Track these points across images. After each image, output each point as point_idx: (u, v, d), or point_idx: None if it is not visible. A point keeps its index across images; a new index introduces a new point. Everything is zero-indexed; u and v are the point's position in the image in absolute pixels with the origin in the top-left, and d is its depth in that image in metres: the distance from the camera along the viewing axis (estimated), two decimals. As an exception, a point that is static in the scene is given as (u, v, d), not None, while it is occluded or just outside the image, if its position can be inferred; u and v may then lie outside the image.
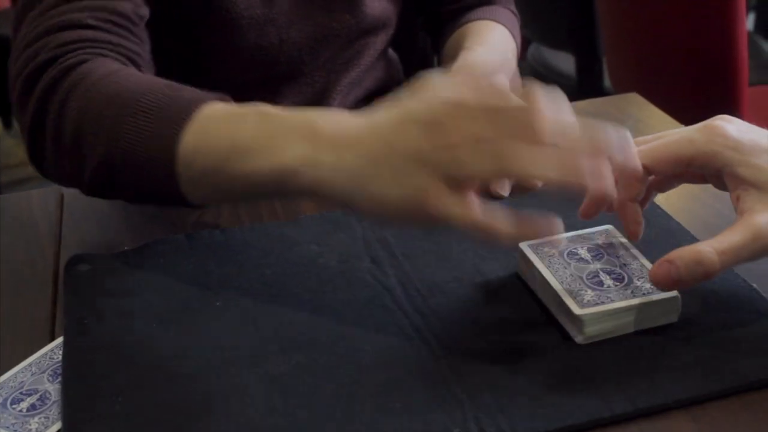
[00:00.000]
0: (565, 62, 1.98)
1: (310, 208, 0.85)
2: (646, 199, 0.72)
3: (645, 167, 0.66)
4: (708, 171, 0.66)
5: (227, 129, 0.69)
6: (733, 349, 0.64)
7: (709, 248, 0.62)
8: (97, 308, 0.71)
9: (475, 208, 0.61)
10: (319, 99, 1.07)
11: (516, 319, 0.68)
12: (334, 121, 0.65)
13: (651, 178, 0.69)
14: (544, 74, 2.09)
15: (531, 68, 2.17)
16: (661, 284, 0.63)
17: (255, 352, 0.66)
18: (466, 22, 1.05)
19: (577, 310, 0.65)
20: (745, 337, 0.65)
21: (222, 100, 0.72)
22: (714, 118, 0.67)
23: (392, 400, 0.61)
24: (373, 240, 0.78)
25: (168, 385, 0.63)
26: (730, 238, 0.62)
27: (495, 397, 0.60)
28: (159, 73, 0.86)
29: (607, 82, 1.82)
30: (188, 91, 0.73)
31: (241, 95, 0.75)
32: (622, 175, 0.66)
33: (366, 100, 1.12)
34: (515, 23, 1.08)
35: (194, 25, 0.98)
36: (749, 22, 3.17)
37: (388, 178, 0.62)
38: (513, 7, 1.12)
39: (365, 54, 1.09)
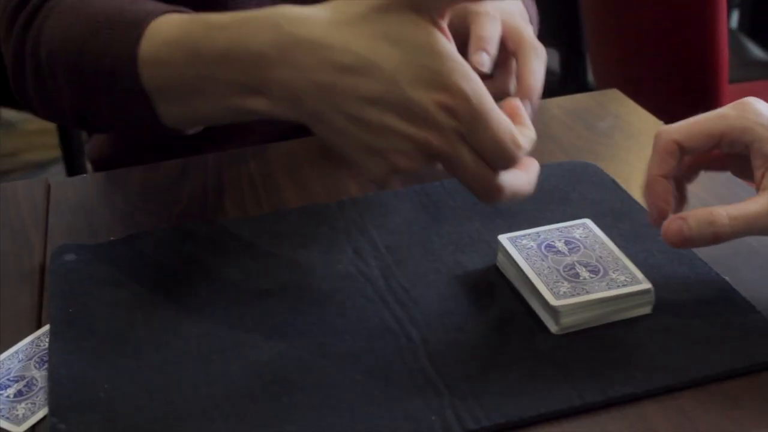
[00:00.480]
0: (550, 58, 1.99)
1: (293, 201, 0.86)
2: (681, 182, 0.72)
3: (678, 143, 0.66)
4: (737, 147, 0.66)
5: (185, 34, 0.70)
6: (703, 340, 0.65)
7: (724, 212, 0.63)
8: (82, 297, 0.73)
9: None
10: None
11: (494, 310, 0.70)
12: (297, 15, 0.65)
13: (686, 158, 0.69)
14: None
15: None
16: (671, 239, 0.65)
17: (238, 341, 0.67)
18: None
19: (553, 301, 0.66)
20: (716, 329, 0.66)
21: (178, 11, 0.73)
22: (745, 98, 0.67)
23: (372, 388, 0.62)
24: (356, 232, 0.80)
25: (152, 372, 0.65)
26: (747, 206, 0.64)
27: (471, 386, 0.62)
28: None
29: (590, 77, 1.84)
30: (147, 3, 0.74)
31: None
32: (655, 149, 0.67)
33: None
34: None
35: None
36: (733, 20, 3.20)
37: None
38: None
39: None
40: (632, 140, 0.94)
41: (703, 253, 0.74)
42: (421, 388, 0.62)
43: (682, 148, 0.67)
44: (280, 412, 0.61)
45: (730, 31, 2.50)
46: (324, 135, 0.65)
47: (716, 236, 0.64)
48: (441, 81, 0.60)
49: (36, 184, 0.92)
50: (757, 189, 0.66)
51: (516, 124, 0.64)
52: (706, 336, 0.66)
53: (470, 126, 0.61)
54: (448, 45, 0.61)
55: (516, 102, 0.67)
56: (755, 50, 2.10)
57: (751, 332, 0.66)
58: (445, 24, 0.63)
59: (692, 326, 0.67)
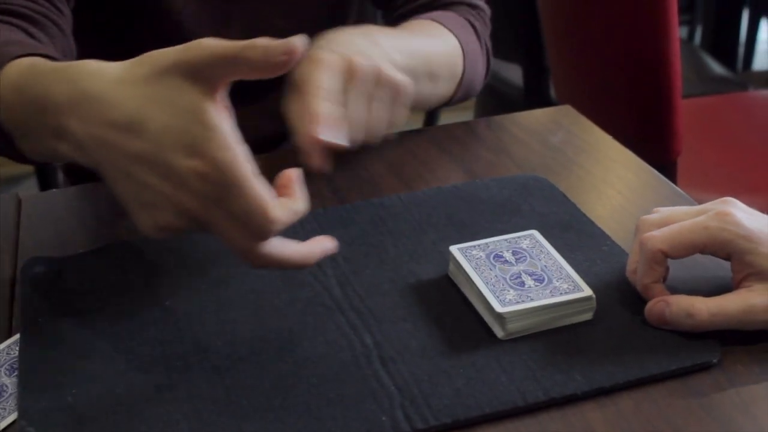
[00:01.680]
0: (514, 73, 2.04)
1: (256, 214, 0.89)
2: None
3: (663, 252, 0.71)
4: (718, 255, 0.72)
5: (21, 78, 0.76)
6: (640, 345, 0.69)
7: (704, 307, 0.69)
8: (52, 307, 0.76)
9: None
10: None
11: (444, 317, 0.73)
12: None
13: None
14: (494, 84, 2.15)
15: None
16: (652, 319, 0.71)
17: (201, 347, 0.71)
18: (411, 19, 1.05)
19: (499, 308, 0.70)
20: (652, 334, 0.70)
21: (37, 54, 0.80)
22: (722, 202, 0.72)
23: (327, 390, 0.66)
24: (314, 244, 0.83)
25: (118, 378, 0.68)
26: (726, 305, 0.69)
27: (421, 389, 0.66)
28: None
29: (553, 93, 1.88)
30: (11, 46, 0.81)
31: None
32: (643, 258, 0.72)
33: None
34: (465, 29, 1.07)
35: (130, 27, 1.04)
36: (696, 37, 3.26)
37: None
38: (475, 18, 1.10)
39: None
40: (583, 155, 0.98)
41: (644, 262, 0.78)
42: (373, 390, 0.66)
43: (667, 255, 0.72)
44: (240, 413, 0.64)
45: (692, 47, 2.56)
46: (107, 183, 0.69)
47: (693, 327, 0.69)
48: (198, 148, 0.63)
49: (7, 198, 0.95)
50: (735, 286, 0.71)
51: (284, 196, 0.68)
52: (643, 340, 0.70)
53: (221, 194, 0.64)
54: (213, 113, 0.64)
55: (290, 173, 0.70)
56: (714, 66, 2.15)
57: (686, 337, 0.70)
58: (221, 92, 0.65)
59: (630, 331, 0.71)
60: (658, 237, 0.72)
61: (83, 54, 0.94)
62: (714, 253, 0.72)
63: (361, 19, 1.19)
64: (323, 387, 0.66)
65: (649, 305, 0.71)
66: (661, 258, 0.72)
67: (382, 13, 1.21)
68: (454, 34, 1.03)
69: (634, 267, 0.74)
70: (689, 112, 1.64)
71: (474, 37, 1.08)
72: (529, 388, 0.65)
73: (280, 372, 0.68)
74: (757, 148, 1.72)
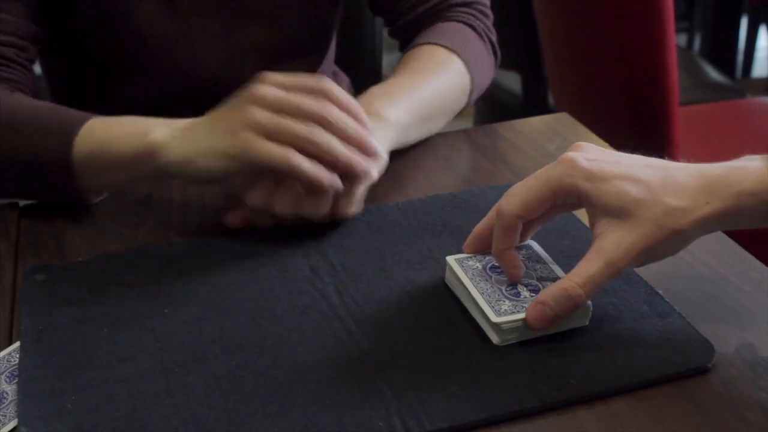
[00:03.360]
0: (513, 81, 2.05)
1: (255, 222, 0.90)
2: (524, 238, 0.78)
3: (518, 217, 0.72)
4: (571, 201, 0.72)
5: (109, 129, 0.89)
6: (635, 349, 0.70)
7: (573, 283, 0.69)
8: (52, 315, 0.76)
9: (293, 154, 0.80)
10: None
11: (441, 324, 0.74)
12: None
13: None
14: (493, 92, 2.15)
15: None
16: (537, 324, 0.70)
17: (199, 354, 0.71)
18: (414, 46, 1.08)
19: (494, 318, 0.71)
20: (647, 339, 0.71)
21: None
22: (570, 148, 0.72)
23: (325, 397, 0.67)
24: (313, 252, 0.84)
25: (117, 385, 0.69)
26: (590, 269, 0.69)
27: (417, 394, 0.66)
28: (71, 94, 1.03)
29: (552, 100, 1.89)
30: (71, 112, 0.92)
31: (157, 113, 0.90)
32: (498, 226, 0.74)
33: None
34: (466, 38, 1.10)
35: (100, 45, 1.05)
36: (695, 44, 3.27)
37: (219, 135, 0.82)
38: (474, 18, 1.13)
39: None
40: (578, 162, 0.99)
41: (639, 269, 0.79)
42: (369, 396, 0.66)
43: (522, 218, 0.73)
44: (237, 420, 0.65)
45: (691, 55, 2.57)
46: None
47: (576, 305, 0.70)
48: None
49: (8, 207, 0.95)
50: (593, 237, 0.71)
51: None
52: (638, 345, 0.70)
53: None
54: None
55: None
56: (712, 73, 2.16)
57: (680, 342, 0.70)
58: None
59: (625, 336, 0.71)
60: (511, 203, 0.72)
61: (55, 73, 0.98)
62: (567, 200, 0.71)
63: (357, 25, 1.19)
64: (320, 393, 0.67)
65: (528, 313, 0.70)
66: (515, 224, 0.73)
67: (385, 22, 1.22)
68: (453, 50, 1.06)
69: (485, 225, 0.76)
70: (687, 120, 1.65)
71: (477, 40, 1.11)
72: (525, 393, 0.66)
73: (277, 379, 0.68)
74: (754, 154, 1.72)
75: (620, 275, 0.69)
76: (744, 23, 3.01)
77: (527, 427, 0.64)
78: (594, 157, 0.71)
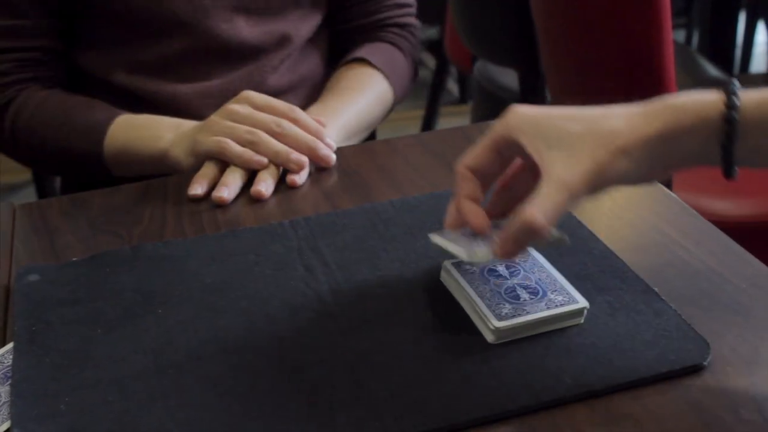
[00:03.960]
0: (510, 77, 2.04)
1: (249, 221, 0.90)
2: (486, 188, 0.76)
3: (469, 167, 0.73)
4: (514, 149, 0.71)
5: (130, 132, 1.08)
6: (630, 347, 0.70)
7: (534, 212, 0.67)
8: (45, 315, 0.76)
9: (224, 141, 0.98)
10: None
11: (435, 323, 0.74)
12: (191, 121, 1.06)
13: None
14: (490, 89, 2.15)
15: (477, 83, 2.24)
16: (508, 256, 0.70)
17: (193, 354, 0.71)
18: (346, 63, 1.23)
19: (495, 322, 0.70)
20: (643, 337, 0.71)
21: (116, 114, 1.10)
22: (510, 107, 0.72)
23: (319, 397, 0.66)
24: (307, 250, 0.83)
25: (111, 386, 0.68)
26: (547, 196, 0.67)
27: (411, 393, 0.66)
28: (93, 59, 1.17)
29: (549, 97, 1.88)
30: (98, 111, 1.11)
31: (122, 47, 1.14)
32: (455, 182, 0.74)
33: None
34: (392, 57, 1.25)
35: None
36: (694, 40, 3.26)
37: (205, 135, 1.00)
38: (404, 39, 1.29)
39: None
40: (574, 159, 0.99)
41: (635, 265, 0.79)
42: (363, 396, 0.66)
43: (472, 168, 0.73)
44: (231, 421, 0.65)
45: (689, 51, 2.56)
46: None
47: (539, 234, 0.67)
48: None
49: (3, 209, 0.95)
50: (542, 171, 0.69)
51: None
52: (634, 343, 0.70)
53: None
54: None
55: None
56: (711, 69, 2.16)
57: (676, 340, 0.70)
58: None
59: (621, 334, 0.71)
60: (465, 157, 0.73)
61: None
62: (512, 149, 0.71)
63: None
64: (315, 394, 0.67)
65: (499, 251, 0.69)
66: (468, 173, 0.73)
67: (327, 21, 1.29)
68: (381, 70, 1.21)
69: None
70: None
71: (401, 59, 1.27)
72: (519, 392, 0.66)
73: (272, 379, 0.68)
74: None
75: (578, 200, 0.67)
76: (742, 19, 3.01)
77: (522, 426, 0.64)
78: (532, 107, 0.71)
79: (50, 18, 1.14)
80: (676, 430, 0.63)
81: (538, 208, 0.67)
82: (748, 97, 0.64)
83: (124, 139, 1.08)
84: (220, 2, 1.14)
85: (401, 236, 0.85)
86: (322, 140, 1.00)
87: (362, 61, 1.22)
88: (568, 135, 0.68)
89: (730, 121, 0.64)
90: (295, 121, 1.00)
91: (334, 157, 1.00)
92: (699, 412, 0.65)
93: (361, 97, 1.18)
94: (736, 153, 0.65)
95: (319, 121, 1.03)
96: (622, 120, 0.67)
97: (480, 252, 0.71)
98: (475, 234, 0.74)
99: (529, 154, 0.70)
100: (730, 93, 0.64)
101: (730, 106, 0.64)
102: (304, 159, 0.98)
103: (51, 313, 0.77)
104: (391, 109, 1.26)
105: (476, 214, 0.73)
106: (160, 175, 1.03)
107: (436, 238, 0.76)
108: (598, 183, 0.67)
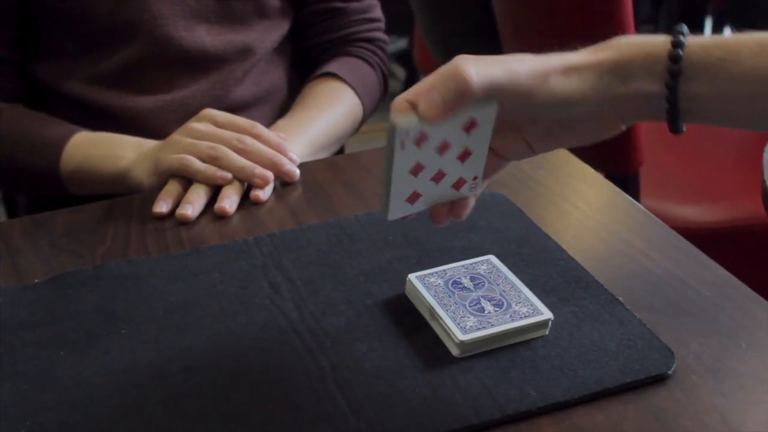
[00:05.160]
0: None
1: (213, 238, 0.89)
2: None
3: (408, 101, 0.64)
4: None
5: (89, 149, 1.06)
6: (595, 358, 0.70)
7: (472, 71, 0.62)
8: (6, 338, 0.75)
9: (186, 157, 0.97)
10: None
11: (400, 337, 0.73)
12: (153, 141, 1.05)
13: None
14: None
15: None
16: (429, 113, 0.63)
17: (157, 374, 0.70)
18: (315, 77, 1.22)
19: (460, 335, 0.70)
20: (608, 347, 0.71)
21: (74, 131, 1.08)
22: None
23: (283, 415, 0.66)
24: (272, 266, 0.83)
25: (73, 408, 0.67)
26: (489, 67, 0.63)
27: (376, 410, 0.66)
28: (50, 70, 1.15)
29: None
30: (55, 128, 1.08)
31: (78, 56, 1.12)
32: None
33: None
34: (362, 72, 1.25)
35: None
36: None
37: (167, 153, 0.99)
38: (372, 53, 1.29)
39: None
40: (541, 171, 0.99)
41: (600, 275, 0.79)
42: (328, 414, 0.66)
43: (414, 104, 0.64)
44: (195, 441, 0.64)
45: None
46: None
47: (467, 91, 0.62)
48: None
49: (-37, 229, 0.94)
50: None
51: None
52: (599, 354, 0.70)
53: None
54: None
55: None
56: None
57: (641, 349, 0.70)
58: None
59: (586, 345, 0.71)
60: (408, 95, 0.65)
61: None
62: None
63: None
64: (279, 412, 0.66)
65: (420, 104, 0.62)
66: (407, 107, 0.64)
67: (294, 37, 1.29)
68: (350, 85, 1.21)
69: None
70: (651, 123, 1.65)
71: (371, 74, 1.27)
72: (484, 406, 0.66)
73: (236, 398, 0.68)
74: (719, 157, 1.73)
75: (514, 81, 0.63)
76: (708, 23, 3.03)
77: (487, 439, 0.64)
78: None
79: (6, 29, 1.12)
80: (642, 440, 0.63)
81: (471, 67, 0.62)
82: (695, 40, 0.64)
83: (83, 157, 1.05)
84: (179, 9, 1.12)
85: (366, 251, 0.85)
86: (285, 155, 1.00)
87: (332, 75, 1.22)
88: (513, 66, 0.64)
89: (674, 58, 0.63)
90: (257, 137, 1.00)
91: (297, 172, 1.00)
92: (664, 421, 0.65)
93: (330, 112, 1.18)
94: (680, 98, 0.64)
95: (280, 137, 1.02)
96: (576, 55, 0.65)
97: (470, 326, 0.71)
98: (457, 286, 0.76)
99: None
100: (677, 32, 0.64)
101: (676, 44, 0.63)
102: (269, 174, 0.97)
103: (12, 335, 0.76)
104: (361, 124, 1.26)
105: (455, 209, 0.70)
106: (119, 195, 1.02)
107: (417, 284, 0.76)
108: (543, 83, 0.64)
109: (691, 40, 0.64)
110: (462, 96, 0.62)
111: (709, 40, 0.64)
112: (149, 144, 1.04)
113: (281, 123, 1.12)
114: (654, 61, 0.64)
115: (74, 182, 1.07)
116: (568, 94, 0.65)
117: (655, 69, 0.64)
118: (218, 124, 1.01)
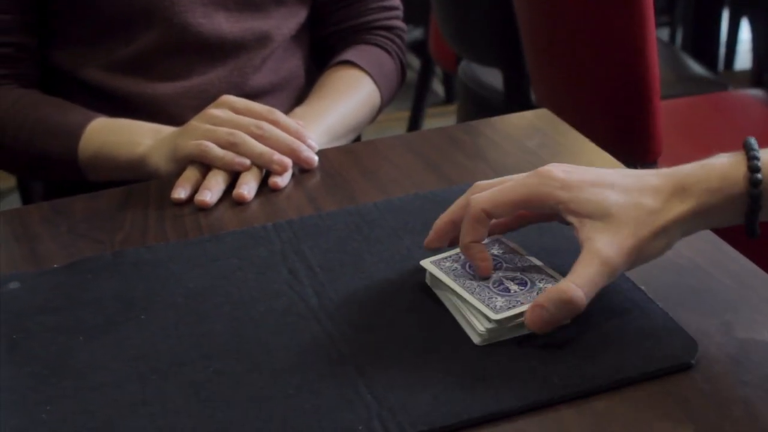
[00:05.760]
0: (495, 77, 2.04)
1: (232, 224, 0.89)
2: (494, 233, 0.79)
3: (486, 211, 0.72)
4: (545, 209, 0.72)
5: (106, 136, 1.06)
6: (618, 347, 0.69)
7: (573, 285, 0.68)
8: (26, 324, 0.75)
9: (204, 144, 0.97)
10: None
11: (421, 325, 0.73)
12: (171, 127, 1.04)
13: (494, 221, 0.74)
14: (475, 89, 2.15)
15: (462, 84, 2.23)
16: (537, 327, 0.69)
17: (176, 361, 0.70)
18: (333, 65, 1.22)
19: (493, 315, 0.70)
20: (630, 336, 0.70)
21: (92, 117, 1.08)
22: (545, 166, 0.73)
23: (304, 401, 0.65)
24: (291, 253, 0.83)
25: (93, 393, 0.67)
26: (587, 271, 0.68)
27: (397, 397, 0.65)
28: (68, 56, 1.15)
29: (533, 96, 1.88)
30: (73, 114, 1.09)
31: (93, 42, 1.12)
32: (467, 216, 0.73)
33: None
34: (379, 59, 1.25)
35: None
36: (678, 38, 3.27)
37: (185, 140, 0.99)
38: (391, 41, 1.28)
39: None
40: (558, 158, 0.98)
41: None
42: (349, 400, 0.65)
43: (490, 215, 0.72)
44: (215, 427, 0.64)
45: (673, 49, 2.57)
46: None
47: (577, 310, 0.69)
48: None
49: (-19, 215, 0.94)
50: (580, 244, 0.70)
51: None
52: (621, 343, 0.69)
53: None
54: None
55: None
56: (695, 67, 2.16)
57: (663, 338, 0.70)
58: None
59: (608, 334, 0.70)
60: (482, 197, 0.72)
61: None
62: (540, 209, 0.73)
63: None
64: (300, 398, 0.66)
65: (527, 317, 0.69)
66: (484, 218, 0.72)
67: (311, 27, 1.28)
68: (368, 73, 1.21)
69: (447, 219, 0.76)
70: (670, 113, 1.64)
71: (389, 62, 1.27)
72: (506, 394, 0.65)
73: (256, 384, 0.67)
74: (736, 147, 1.72)
75: (616, 277, 0.69)
76: (725, 16, 3.01)
77: (509, 428, 0.63)
78: (569, 169, 0.72)
79: (25, 14, 1.12)
80: (665, 429, 0.63)
81: (579, 283, 0.68)
82: None
83: (100, 143, 1.06)
84: None
85: (385, 238, 0.84)
86: (304, 141, 1.00)
87: (349, 63, 1.21)
88: (607, 204, 0.70)
89: (754, 198, 0.68)
90: (275, 123, 0.99)
91: (316, 158, 0.99)
92: (687, 411, 0.64)
93: (348, 100, 1.18)
94: (758, 219, 0.69)
95: (299, 123, 1.02)
96: (658, 198, 0.70)
97: (501, 306, 0.71)
98: (467, 262, 0.75)
99: (567, 219, 0.71)
100: (752, 169, 0.68)
101: (754, 183, 0.68)
102: (287, 160, 0.97)
103: (31, 321, 0.76)
104: (379, 112, 1.25)
105: (486, 259, 0.74)
106: (136, 181, 1.01)
107: (434, 270, 0.76)
108: (635, 257, 0.69)
109: (766, 169, 0.68)
110: (572, 313, 0.69)
111: None
112: (167, 130, 1.04)
113: (299, 111, 1.12)
114: (734, 202, 0.69)
115: (92, 168, 1.07)
116: (657, 253, 0.71)
117: (735, 208, 0.70)
118: (236, 111, 1.00)
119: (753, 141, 0.70)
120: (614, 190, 0.70)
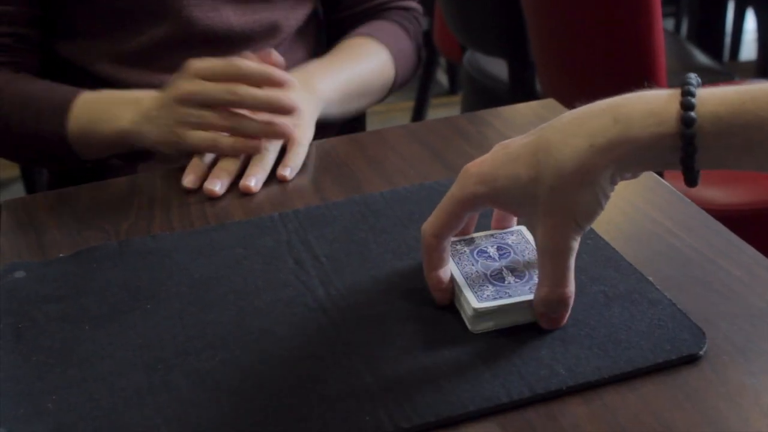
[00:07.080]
0: (500, 67, 2.03)
1: (238, 214, 0.89)
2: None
3: (435, 237, 0.71)
4: (480, 209, 0.72)
5: (92, 111, 1.04)
6: (626, 337, 0.69)
7: (569, 289, 0.68)
8: (31, 313, 0.75)
9: (217, 138, 0.96)
10: None
11: (427, 315, 0.73)
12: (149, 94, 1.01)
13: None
14: (480, 79, 2.14)
15: (467, 74, 2.22)
16: (552, 327, 0.70)
17: (182, 350, 0.70)
18: (348, 38, 1.20)
19: (475, 303, 0.69)
20: (638, 327, 0.70)
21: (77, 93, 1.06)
22: (465, 167, 0.71)
23: (309, 391, 0.65)
24: (297, 243, 0.82)
25: (98, 383, 0.67)
26: (547, 272, 0.68)
27: (404, 387, 0.65)
28: (76, 49, 1.15)
29: (539, 86, 1.87)
30: (60, 91, 1.07)
31: (102, 31, 1.12)
32: (422, 248, 0.72)
33: None
34: (396, 36, 1.23)
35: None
36: (683, 28, 3.26)
37: (162, 129, 0.97)
38: (408, 21, 1.27)
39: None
40: (565, 148, 0.98)
41: (628, 255, 0.78)
42: (355, 390, 0.65)
43: (441, 237, 0.71)
44: (221, 417, 0.64)
45: (678, 39, 2.56)
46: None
47: (566, 304, 0.69)
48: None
49: (-13, 204, 0.94)
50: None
51: None
52: (629, 334, 0.69)
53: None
54: None
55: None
56: (700, 57, 2.15)
57: (672, 330, 0.69)
58: None
59: (616, 325, 0.70)
60: (427, 225, 0.71)
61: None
62: (476, 209, 0.71)
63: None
64: (305, 388, 0.66)
65: (545, 326, 0.70)
66: (436, 243, 0.71)
67: (325, 10, 1.29)
68: (385, 45, 1.20)
69: (431, 271, 0.73)
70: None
71: (407, 41, 1.25)
72: (513, 384, 0.65)
73: (262, 374, 0.67)
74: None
75: (578, 244, 0.67)
76: (731, 6, 3.00)
77: (516, 418, 0.63)
78: (484, 158, 0.70)
79: (29, 6, 1.11)
80: (673, 420, 0.62)
81: (554, 281, 0.68)
82: (706, 108, 0.62)
83: (86, 119, 1.04)
84: None
85: (391, 228, 0.84)
86: (274, 77, 0.97)
87: (366, 35, 1.20)
88: (521, 184, 0.67)
89: (687, 139, 0.62)
90: (243, 78, 0.96)
91: (294, 102, 0.97)
92: (696, 401, 0.64)
93: (361, 63, 1.17)
94: (697, 165, 0.64)
95: (270, 59, 1.00)
96: (576, 157, 0.64)
97: (488, 294, 0.71)
98: (483, 254, 0.76)
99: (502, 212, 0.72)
100: (685, 107, 0.62)
101: (687, 122, 0.62)
102: (286, 125, 0.96)
103: (37, 310, 0.75)
104: (392, 89, 1.23)
105: (444, 290, 0.73)
106: (124, 155, 1.03)
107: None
108: (578, 222, 0.66)
109: (702, 110, 0.61)
110: (570, 304, 0.70)
111: (719, 109, 0.62)
112: (146, 100, 1.00)
113: (312, 65, 1.11)
114: (664, 145, 0.63)
115: (82, 146, 1.05)
116: (596, 202, 0.66)
117: (667, 151, 0.63)
118: (204, 77, 0.97)
119: (693, 76, 0.64)
120: (524, 163, 0.66)
